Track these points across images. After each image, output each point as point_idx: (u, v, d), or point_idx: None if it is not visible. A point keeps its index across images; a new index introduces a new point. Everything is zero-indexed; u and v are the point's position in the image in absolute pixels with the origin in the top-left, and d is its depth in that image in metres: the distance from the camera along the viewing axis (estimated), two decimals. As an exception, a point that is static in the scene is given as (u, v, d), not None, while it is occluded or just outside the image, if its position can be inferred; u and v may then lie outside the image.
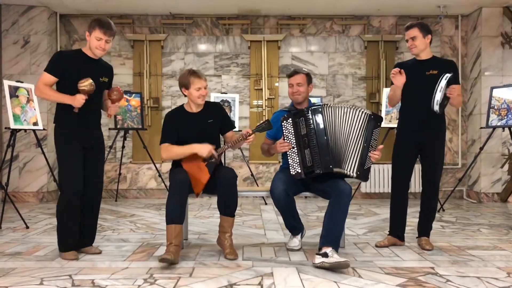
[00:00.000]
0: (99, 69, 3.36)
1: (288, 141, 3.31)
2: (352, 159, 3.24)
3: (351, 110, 3.28)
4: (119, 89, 3.39)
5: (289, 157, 3.31)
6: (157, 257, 3.22)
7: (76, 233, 3.31)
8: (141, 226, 4.59)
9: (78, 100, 3.15)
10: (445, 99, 3.39)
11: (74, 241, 3.30)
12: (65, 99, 3.18)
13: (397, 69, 3.48)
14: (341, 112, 3.28)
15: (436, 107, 3.34)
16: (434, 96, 3.32)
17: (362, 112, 3.28)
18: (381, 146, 3.35)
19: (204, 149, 3.25)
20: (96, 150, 3.42)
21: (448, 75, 3.33)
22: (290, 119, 3.31)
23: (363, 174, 3.26)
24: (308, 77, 3.56)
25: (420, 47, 3.51)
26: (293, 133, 3.30)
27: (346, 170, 3.24)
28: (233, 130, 3.61)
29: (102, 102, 3.47)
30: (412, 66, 3.56)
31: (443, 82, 3.30)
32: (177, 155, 3.35)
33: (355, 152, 3.24)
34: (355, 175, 3.23)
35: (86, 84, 3.14)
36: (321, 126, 3.26)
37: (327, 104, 3.33)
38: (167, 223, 3.13)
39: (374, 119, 3.29)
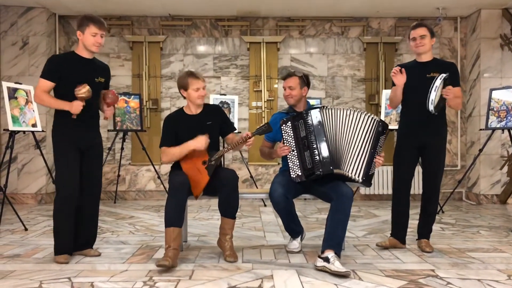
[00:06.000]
0: (94, 69, 3.34)
1: (287, 144, 3.29)
2: (357, 163, 3.17)
3: (355, 113, 3.22)
4: (113, 92, 3.38)
5: (289, 160, 3.29)
6: (156, 259, 3.20)
7: (71, 235, 3.28)
8: (140, 228, 4.58)
9: (76, 107, 3.14)
10: (441, 100, 3.36)
11: (68, 244, 3.27)
12: (63, 105, 3.17)
13: (397, 68, 3.48)
14: (343, 114, 3.23)
15: (430, 107, 3.32)
16: (429, 96, 3.30)
17: (370, 116, 3.20)
18: (383, 153, 3.29)
19: (199, 143, 3.24)
20: (94, 151, 3.40)
21: (443, 75, 3.31)
22: (289, 122, 3.28)
23: (368, 179, 3.21)
24: (302, 79, 3.50)
25: (427, 46, 3.51)
26: (292, 136, 3.27)
27: (349, 172, 3.17)
28: (234, 132, 3.57)
29: (100, 103, 3.45)
30: (413, 68, 3.55)
31: (438, 81, 3.28)
32: (176, 156, 3.34)
33: (362, 156, 3.17)
34: (360, 180, 3.17)
35: (84, 91, 3.14)
36: (320, 127, 3.21)
37: (326, 106, 3.32)
38: (165, 226, 3.12)
39: (382, 126, 3.21)
